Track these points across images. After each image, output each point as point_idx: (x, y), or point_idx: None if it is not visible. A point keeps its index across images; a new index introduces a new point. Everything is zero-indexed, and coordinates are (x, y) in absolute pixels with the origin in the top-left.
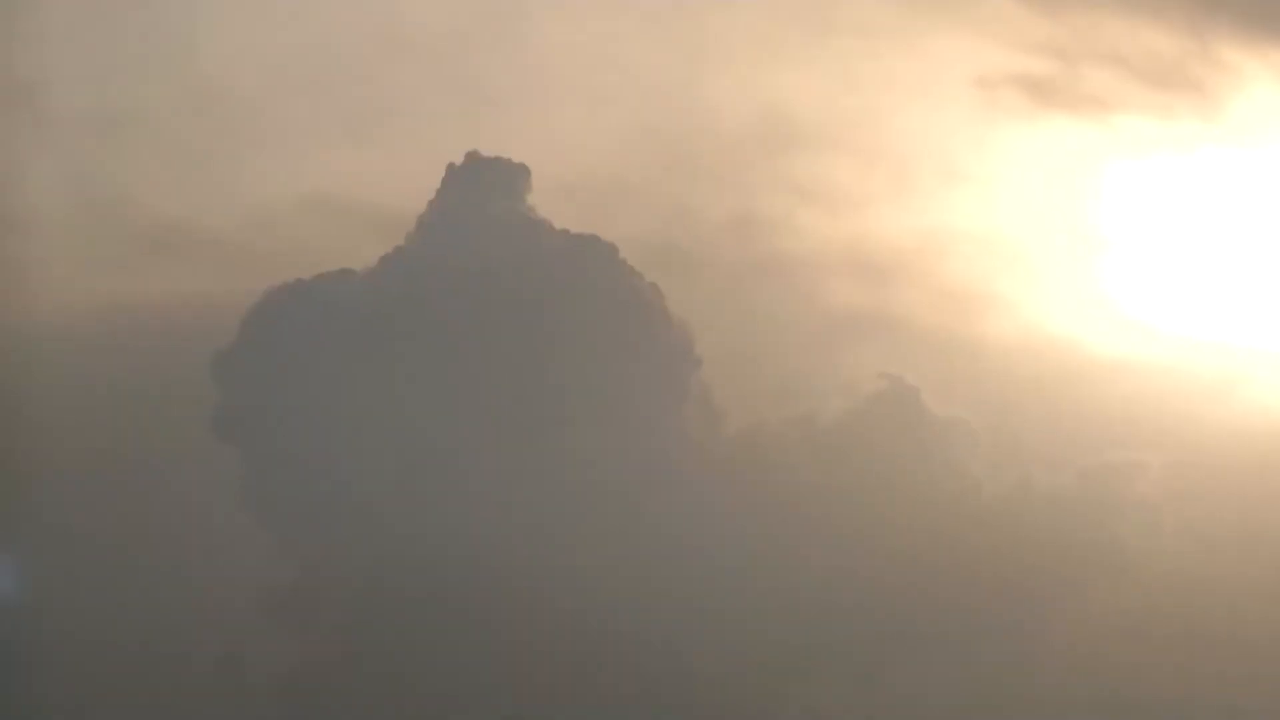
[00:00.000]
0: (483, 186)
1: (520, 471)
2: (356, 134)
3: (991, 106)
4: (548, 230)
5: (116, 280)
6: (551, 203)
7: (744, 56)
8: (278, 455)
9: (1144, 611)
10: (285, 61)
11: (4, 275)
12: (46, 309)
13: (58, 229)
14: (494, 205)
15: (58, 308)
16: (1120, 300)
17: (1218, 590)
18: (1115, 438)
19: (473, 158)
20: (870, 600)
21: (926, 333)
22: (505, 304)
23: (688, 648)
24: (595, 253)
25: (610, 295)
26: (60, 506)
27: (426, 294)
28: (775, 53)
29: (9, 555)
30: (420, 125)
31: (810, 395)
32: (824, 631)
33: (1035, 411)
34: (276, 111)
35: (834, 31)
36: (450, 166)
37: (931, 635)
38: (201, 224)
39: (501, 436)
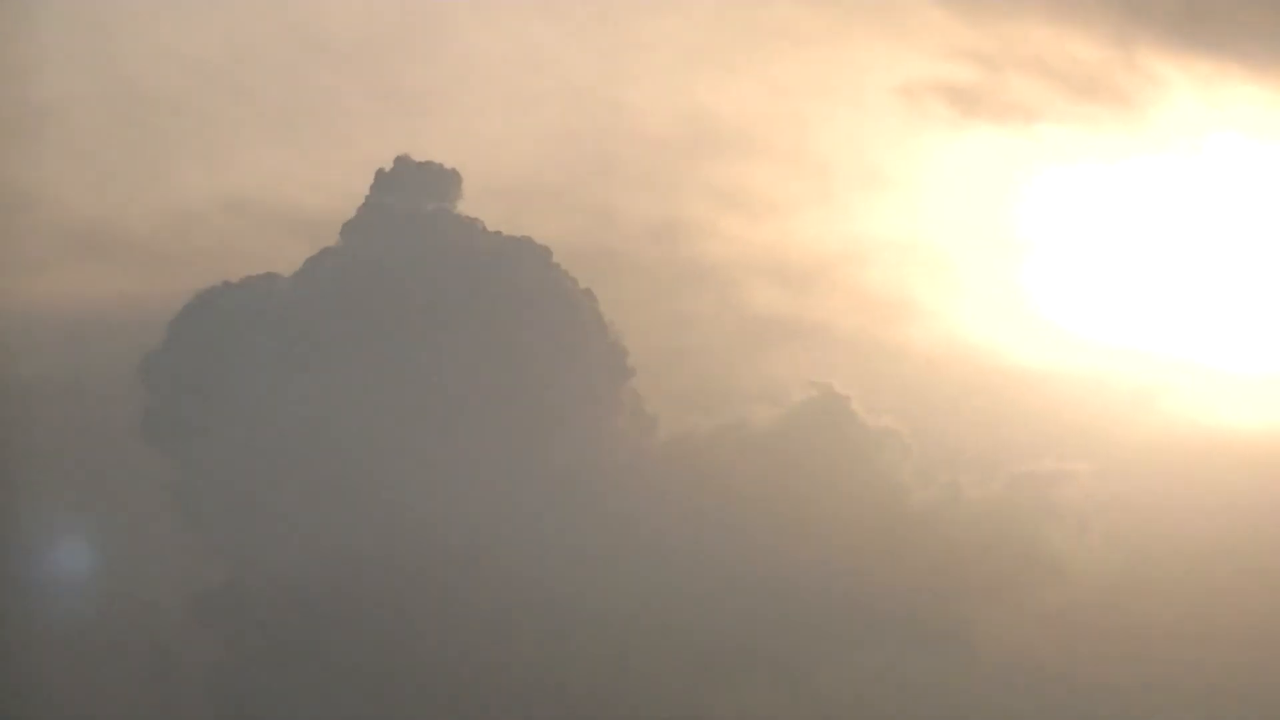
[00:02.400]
0: (413, 190)
1: (450, 475)
2: (279, 137)
3: (916, 114)
4: (481, 233)
5: (37, 281)
6: (479, 207)
7: (668, 62)
8: (207, 458)
9: (1072, 615)
10: (208, 64)
11: None
12: None
13: None
14: (425, 209)
15: None
16: (1042, 308)
17: (1144, 594)
18: (1042, 446)
19: (402, 162)
20: (802, 604)
21: (849, 339)
22: (438, 307)
23: (621, 650)
24: (529, 256)
25: (545, 300)
26: None
27: (356, 296)
28: (699, 59)
29: None
30: (344, 129)
31: (739, 402)
32: (756, 634)
33: (961, 419)
34: (199, 114)
35: (758, 38)
36: (379, 171)
37: (862, 638)
38: (123, 225)
39: (432, 440)
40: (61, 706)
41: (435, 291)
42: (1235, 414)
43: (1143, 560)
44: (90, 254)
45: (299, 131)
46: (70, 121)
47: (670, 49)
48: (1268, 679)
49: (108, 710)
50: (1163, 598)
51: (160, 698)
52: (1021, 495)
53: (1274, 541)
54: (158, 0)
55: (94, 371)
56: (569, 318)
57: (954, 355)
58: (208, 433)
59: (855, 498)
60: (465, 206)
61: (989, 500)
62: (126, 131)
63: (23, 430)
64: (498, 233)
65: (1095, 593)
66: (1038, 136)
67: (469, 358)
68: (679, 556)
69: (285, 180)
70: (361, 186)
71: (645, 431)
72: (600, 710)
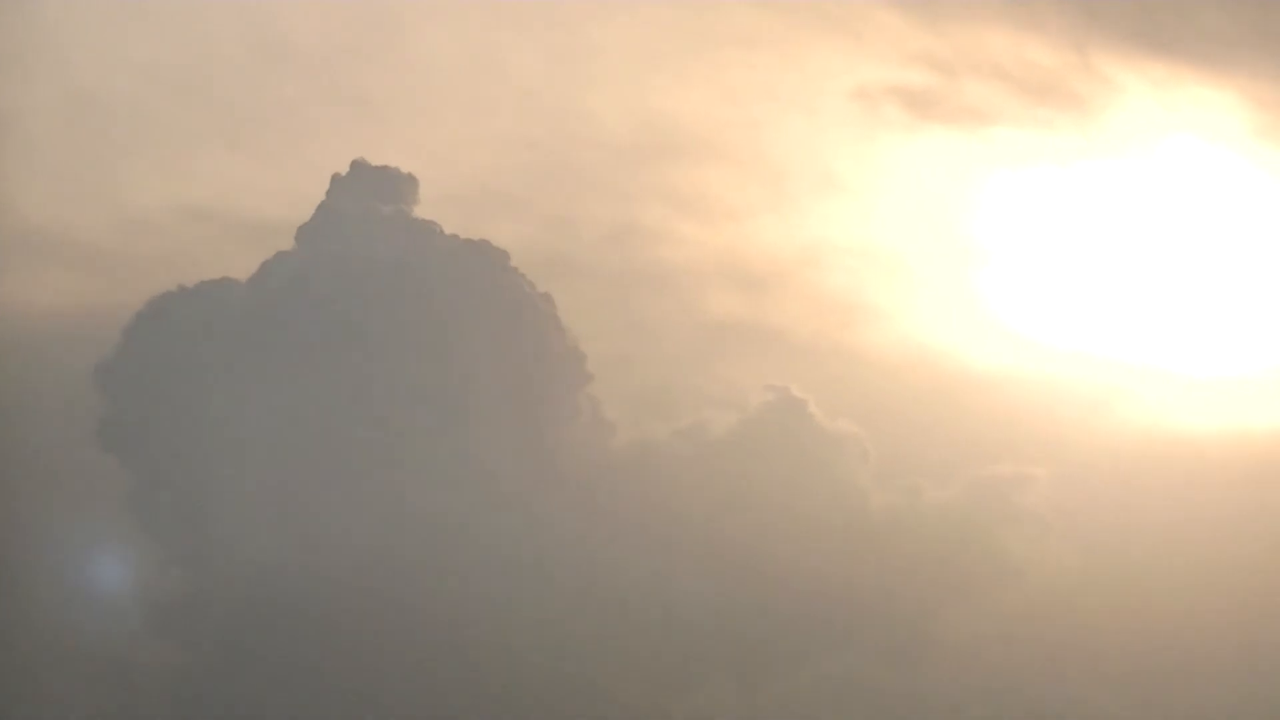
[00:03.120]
0: (369, 195)
1: (408, 481)
2: (235, 143)
3: (871, 118)
4: (438, 235)
5: None
6: (435, 212)
7: (624, 68)
8: (163, 464)
9: (1030, 618)
10: (164, 70)
11: None
12: None
13: None
14: (381, 213)
15: None
16: (997, 312)
17: (1102, 596)
18: (1000, 449)
19: (359, 166)
20: (761, 607)
21: (805, 343)
22: (396, 310)
23: (580, 654)
24: (487, 259)
25: (503, 303)
26: None
27: (312, 300)
28: (656, 65)
29: None
30: (299, 135)
31: (697, 406)
32: (715, 638)
33: (919, 422)
34: (154, 120)
35: (713, 43)
36: (335, 176)
37: (822, 641)
38: (78, 231)
39: (391, 445)
40: (19, 714)
41: (392, 295)
42: (1190, 417)
43: (1101, 563)
44: (45, 260)
45: (254, 137)
46: (26, 127)
47: (627, 55)
48: (1226, 679)
49: (66, 717)
50: (1120, 600)
51: (118, 704)
52: (981, 499)
53: (1230, 543)
54: (113, 6)
55: (49, 378)
56: (528, 321)
57: (910, 359)
58: (164, 439)
59: (814, 501)
60: (422, 211)
61: (948, 504)
62: (81, 137)
63: None
64: (455, 236)
65: (1054, 595)
66: (993, 140)
67: (427, 362)
68: (638, 561)
69: (241, 186)
70: (317, 192)
71: (604, 437)
72: (561, 714)
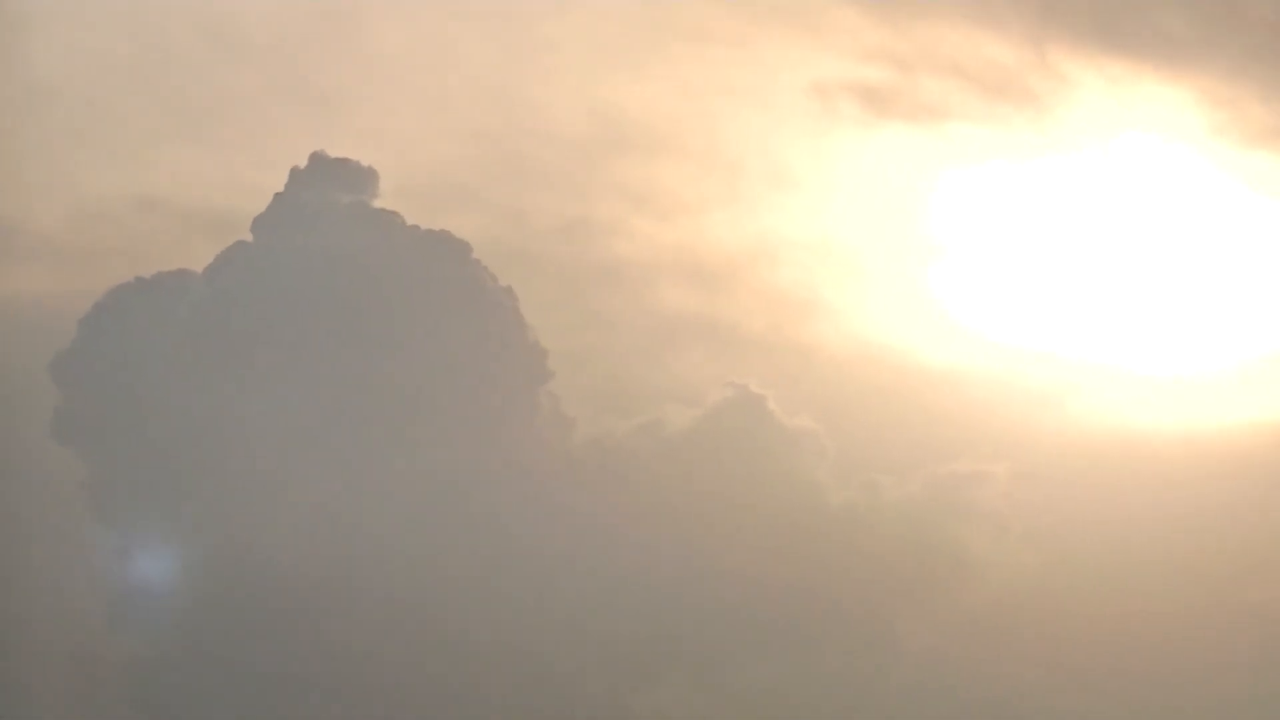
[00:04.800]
0: (328, 187)
1: (368, 475)
2: (189, 134)
3: (827, 114)
4: (399, 227)
5: None
6: (391, 205)
7: (579, 61)
8: (120, 457)
9: (989, 614)
10: (118, 60)
11: None
12: None
13: None
14: (341, 203)
15: None
16: (953, 309)
17: (1060, 594)
18: (958, 446)
19: (318, 159)
20: (720, 604)
21: (759, 338)
22: (356, 302)
23: (539, 651)
24: (449, 251)
25: (465, 296)
26: None
27: (270, 291)
28: (609, 57)
29: None
30: (253, 126)
31: (653, 402)
32: (674, 634)
33: (876, 419)
34: (109, 110)
35: (668, 37)
36: (294, 169)
37: (780, 638)
38: (34, 222)
39: (350, 438)
40: None
41: (353, 286)
42: (1145, 416)
43: (1059, 560)
44: (1, 251)
45: (210, 129)
46: None
47: (581, 48)
48: (1185, 675)
49: (24, 712)
50: (1079, 597)
51: (77, 696)
52: (939, 496)
53: (1186, 540)
54: None
55: (3, 370)
56: (490, 316)
57: (863, 355)
58: (121, 431)
59: (773, 498)
60: (379, 204)
61: (907, 500)
62: (36, 128)
63: None
64: (416, 227)
65: (1013, 592)
66: (950, 137)
67: (386, 355)
68: (598, 558)
69: (197, 178)
70: (275, 184)
71: (564, 433)
72: (518, 711)
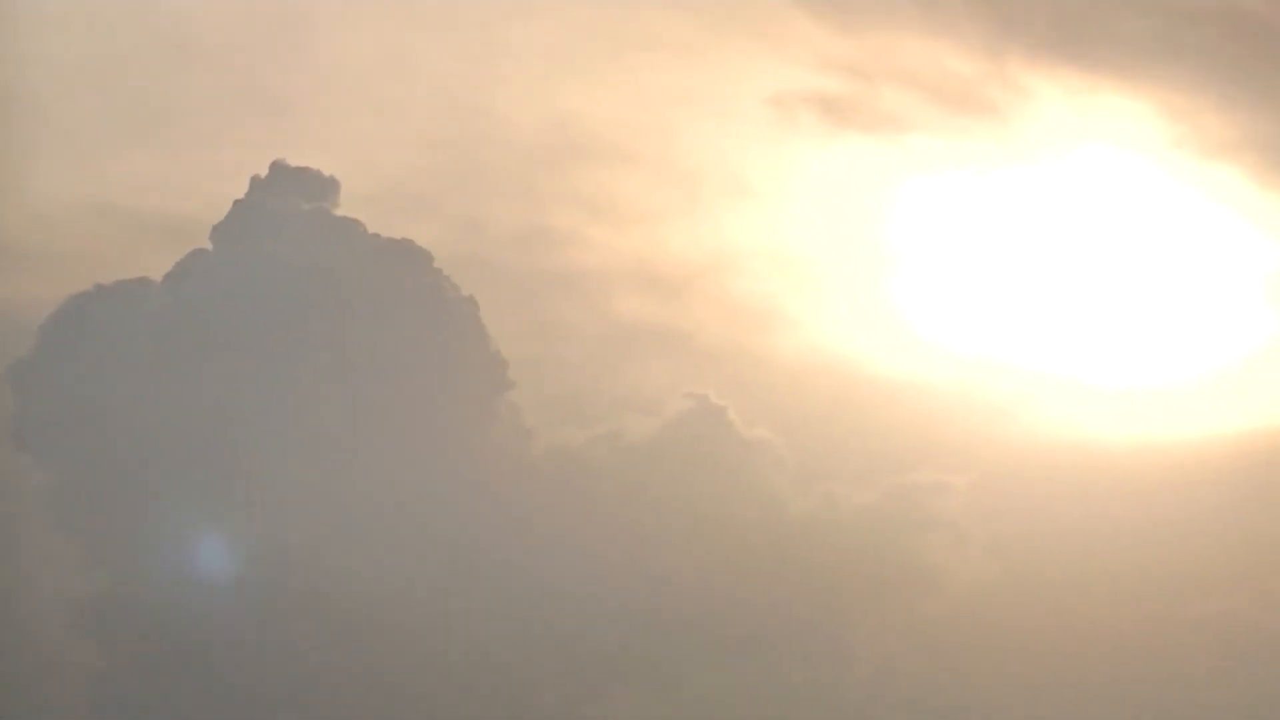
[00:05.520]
0: (289, 197)
1: (331, 482)
2: (148, 141)
3: (786, 124)
4: (361, 235)
5: None
6: (348, 213)
7: (536, 69)
8: (80, 464)
9: (947, 625)
10: (74, 66)
11: None
12: None
13: None
14: (301, 211)
15: None
16: (907, 319)
17: (1017, 604)
18: (916, 456)
19: (278, 167)
20: (677, 613)
21: (715, 348)
22: (316, 310)
23: (497, 659)
24: (411, 260)
25: (427, 306)
26: None
27: (232, 301)
28: (568, 66)
29: None
30: (212, 134)
31: (611, 412)
32: (632, 643)
33: (834, 429)
34: (67, 117)
35: (627, 46)
36: (255, 178)
37: (739, 647)
38: None
39: (311, 446)
40: None
41: (314, 295)
42: (1100, 427)
43: (1017, 570)
44: None
45: (169, 136)
46: None
47: (540, 57)
48: (1141, 684)
49: None
50: (1036, 608)
51: (37, 707)
52: (898, 506)
53: (1142, 551)
54: (23, 1)
55: None
56: (452, 326)
57: (821, 365)
58: (80, 438)
59: (732, 508)
60: (341, 214)
61: (865, 511)
62: None
63: None
64: (377, 235)
65: (970, 602)
66: (908, 148)
67: (347, 365)
68: (557, 568)
69: (156, 185)
70: (234, 192)
71: (524, 443)
72: (478, 718)
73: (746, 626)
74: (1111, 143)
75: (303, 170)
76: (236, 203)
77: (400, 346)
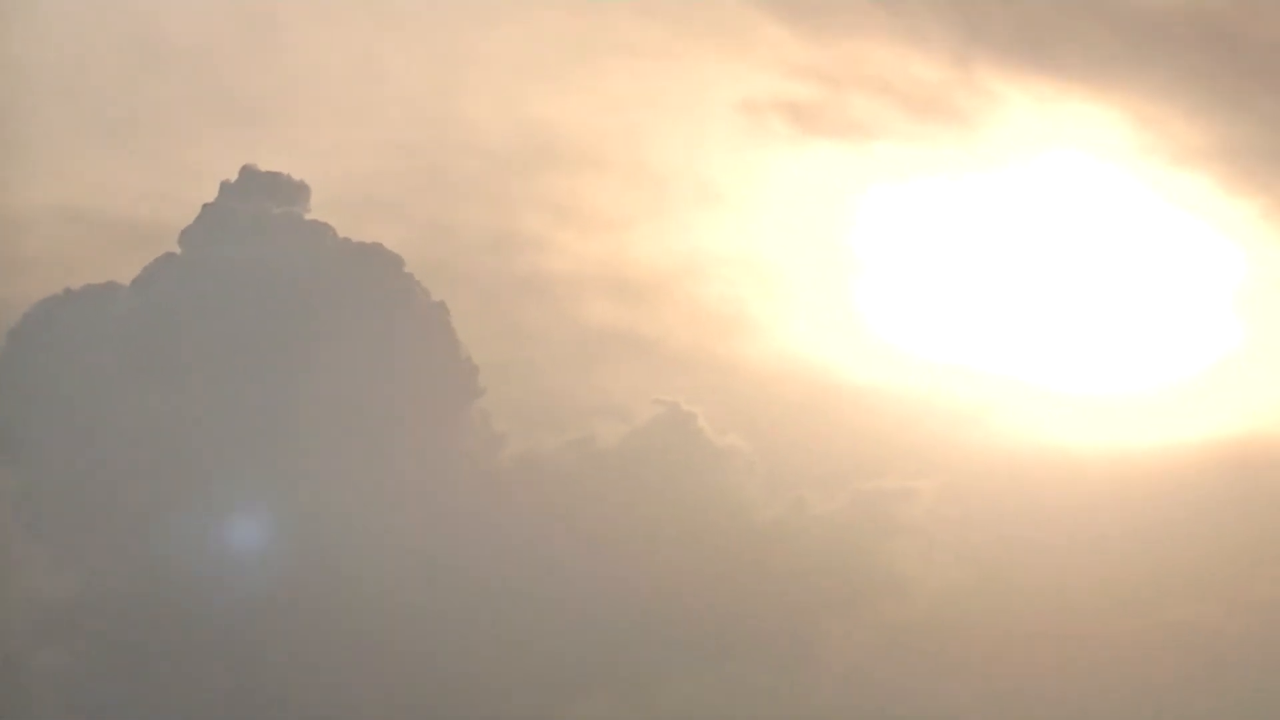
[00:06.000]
0: (259, 201)
1: (298, 487)
2: (117, 146)
3: (755, 130)
4: (331, 239)
5: None
6: (317, 217)
7: (505, 75)
8: (51, 468)
9: (914, 630)
10: (43, 71)
11: None
12: None
13: None
14: (270, 215)
15: None
16: (875, 326)
17: (984, 609)
18: (884, 463)
19: (248, 172)
20: (649, 618)
21: (684, 354)
22: (287, 315)
23: (469, 664)
24: (381, 265)
25: (397, 311)
26: None
27: (200, 305)
28: (537, 71)
29: None
30: (181, 138)
31: (581, 417)
32: (602, 648)
33: (803, 436)
34: (35, 121)
35: (596, 52)
36: (224, 183)
37: (708, 652)
38: None
39: (280, 451)
40: None
41: (284, 299)
42: (1065, 433)
43: (984, 576)
44: None
45: (138, 141)
46: None
47: (507, 61)
48: (1107, 690)
49: None
50: (1003, 613)
51: (8, 710)
52: (866, 512)
53: (1107, 557)
54: None
55: None
56: (422, 332)
57: (789, 372)
58: (49, 443)
59: (702, 514)
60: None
61: (834, 516)
62: None
63: None
64: (347, 240)
65: (938, 608)
66: (877, 154)
67: (317, 370)
68: (527, 573)
69: (125, 189)
70: (203, 196)
71: (494, 449)
72: None
73: (716, 632)
74: (1080, 149)
75: (273, 175)
76: (205, 207)
77: (371, 352)
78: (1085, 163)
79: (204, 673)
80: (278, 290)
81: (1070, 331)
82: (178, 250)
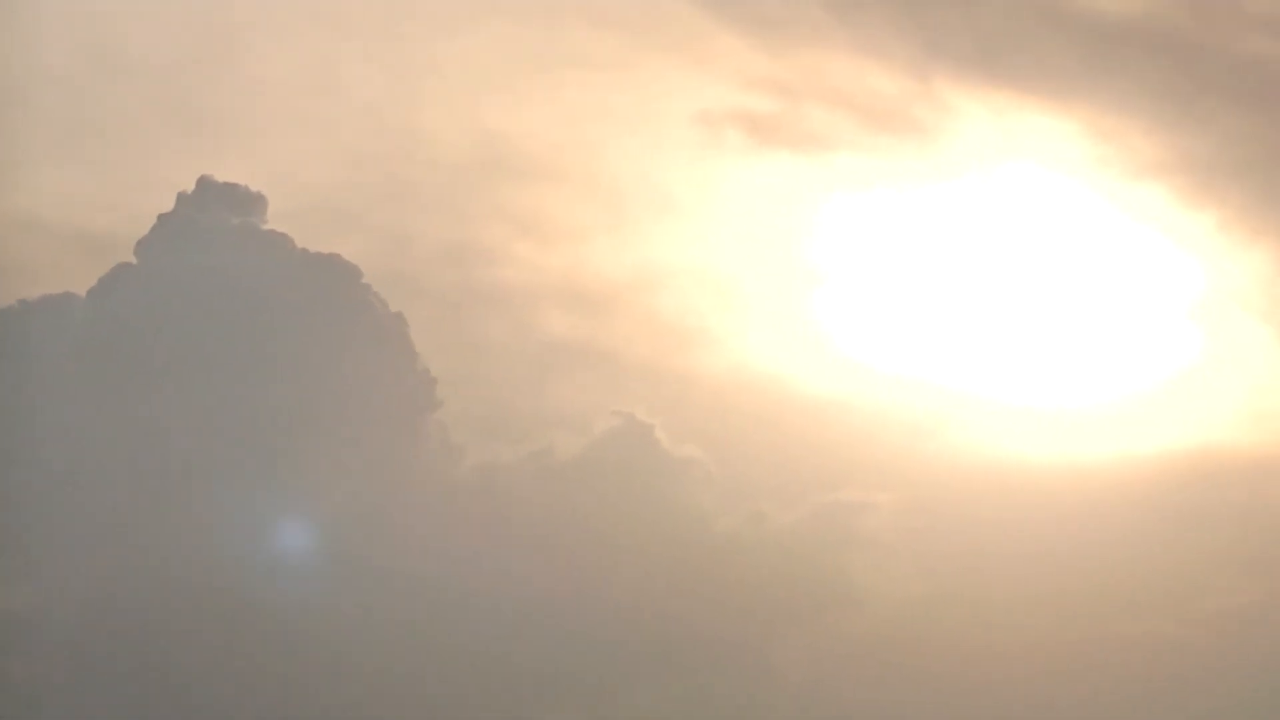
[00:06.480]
0: (215, 212)
1: (256, 499)
2: (72, 156)
3: (712, 142)
4: (288, 249)
5: None
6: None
7: (461, 86)
8: (7, 479)
9: (871, 642)
10: None
11: None
12: None
13: None
14: (228, 228)
15: None
16: (831, 338)
17: (941, 621)
18: (842, 475)
19: (205, 183)
20: (608, 628)
21: (640, 365)
22: (245, 325)
23: (429, 675)
24: (338, 275)
25: (355, 323)
26: None
27: (156, 315)
28: (494, 83)
29: None
30: (137, 149)
31: (538, 428)
32: (562, 658)
33: (760, 448)
34: None
35: (553, 63)
36: (181, 194)
37: (668, 662)
38: None
39: (239, 462)
40: None
41: (241, 310)
42: (1021, 446)
43: (942, 588)
44: None
45: (93, 151)
46: None
47: (464, 73)
48: (1067, 701)
49: None
50: (959, 625)
51: None
52: (824, 524)
53: (1063, 570)
54: None
55: None
56: (380, 343)
57: (746, 383)
58: (7, 454)
59: (660, 526)
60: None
61: (792, 529)
62: None
63: None
64: (305, 250)
65: (895, 620)
66: (834, 165)
67: (274, 381)
68: (486, 585)
69: (81, 199)
70: (159, 207)
71: (452, 461)
72: None
73: (674, 643)
74: (1038, 162)
75: (230, 185)
76: (161, 217)
77: (328, 363)
78: (1043, 175)
79: (151, 683)
80: (235, 301)
81: (1028, 344)
82: (134, 261)
